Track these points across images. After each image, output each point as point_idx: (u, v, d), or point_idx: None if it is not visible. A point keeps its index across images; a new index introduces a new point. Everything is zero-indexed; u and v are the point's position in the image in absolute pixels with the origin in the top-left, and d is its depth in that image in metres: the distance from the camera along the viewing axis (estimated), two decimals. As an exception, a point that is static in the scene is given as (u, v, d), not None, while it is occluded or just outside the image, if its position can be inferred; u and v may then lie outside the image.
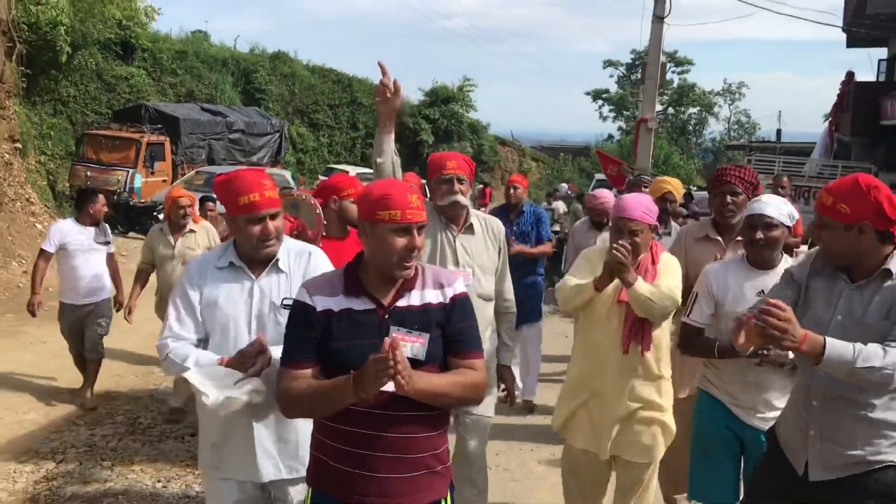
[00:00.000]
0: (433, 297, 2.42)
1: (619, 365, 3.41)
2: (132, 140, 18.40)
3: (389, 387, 2.18)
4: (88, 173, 17.27)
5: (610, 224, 3.64)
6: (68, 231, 6.25)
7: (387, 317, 2.37)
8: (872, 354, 2.41)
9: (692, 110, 52.68)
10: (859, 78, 22.08)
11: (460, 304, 2.44)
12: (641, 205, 3.40)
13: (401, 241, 2.32)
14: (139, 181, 17.69)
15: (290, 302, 2.66)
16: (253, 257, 2.84)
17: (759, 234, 3.37)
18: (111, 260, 6.50)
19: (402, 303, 2.39)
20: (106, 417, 6.09)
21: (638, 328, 3.40)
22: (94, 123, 20.54)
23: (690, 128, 53.47)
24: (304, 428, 2.79)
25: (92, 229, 6.32)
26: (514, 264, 4.41)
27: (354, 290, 2.39)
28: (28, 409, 6.13)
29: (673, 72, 49.39)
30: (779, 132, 33.60)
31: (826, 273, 2.76)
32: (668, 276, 3.46)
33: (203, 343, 2.85)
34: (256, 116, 24.10)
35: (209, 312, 2.83)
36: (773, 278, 3.23)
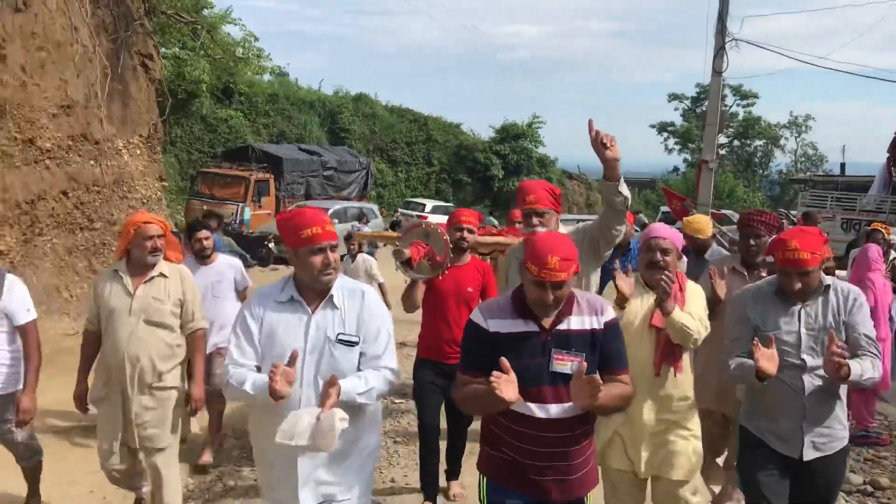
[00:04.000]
0: (591, 322, 2.73)
1: (650, 388, 3.48)
2: (242, 177, 20.30)
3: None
4: (204, 207, 19.00)
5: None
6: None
7: (549, 339, 2.68)
8: (867, 369, 3.17)
9: (758, 143, 52.40)
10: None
11: (612, 329, 2.78)
12: (670, 228, 3.68)
13: (539, 291, 2.64)
14: (248, 214, 19.48)
15: (344, 337, 2.93)
16: (311, 291, 2.96)
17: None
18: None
19: (562, 326, 2.70)
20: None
21: (669, 352, 3.49)
22: (204, 162, 22.80)
23: (756, 160, 53.24)
24: (348, 455, 2.96)
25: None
26: None
27: (523, 314, 2.70)
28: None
29: (738, 105, 49.53)
30: (842, 166, 33.95)
31: (768, 300, 3.39)
32: (696, 303, 3.58)
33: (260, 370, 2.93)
34: (346, 155, 26.10)
35: (268, 343, 2.93)
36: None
